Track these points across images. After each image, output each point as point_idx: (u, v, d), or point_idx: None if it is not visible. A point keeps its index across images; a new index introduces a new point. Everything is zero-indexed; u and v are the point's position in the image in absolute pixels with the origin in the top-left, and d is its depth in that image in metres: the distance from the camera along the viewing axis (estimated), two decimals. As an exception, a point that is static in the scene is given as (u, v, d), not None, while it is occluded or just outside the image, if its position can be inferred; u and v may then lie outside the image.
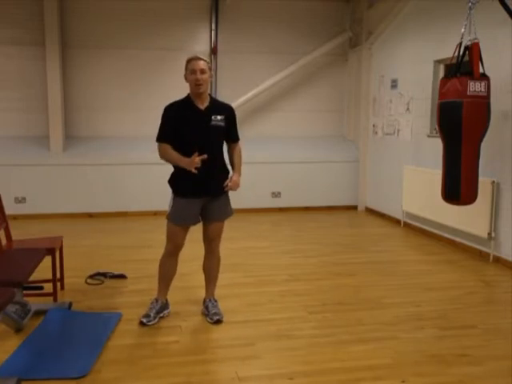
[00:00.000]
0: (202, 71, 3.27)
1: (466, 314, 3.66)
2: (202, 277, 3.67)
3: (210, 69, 3.36)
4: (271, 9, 7.61)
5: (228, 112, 3.45)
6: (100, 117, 7.43)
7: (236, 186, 3.46)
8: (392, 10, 6.70)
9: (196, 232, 3.54)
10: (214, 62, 7.52)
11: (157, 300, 3.53)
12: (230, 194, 3.54)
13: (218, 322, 3.44)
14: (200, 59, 3.30)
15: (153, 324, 3.40)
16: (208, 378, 2.74)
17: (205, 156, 3.20)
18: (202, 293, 3.68)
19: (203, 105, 3.36)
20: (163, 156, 3.37)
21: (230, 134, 3.50)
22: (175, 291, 3.74)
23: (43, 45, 6.91)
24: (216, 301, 3.63)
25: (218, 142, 3.44)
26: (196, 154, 3.19)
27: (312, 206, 7.73)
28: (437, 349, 3.08)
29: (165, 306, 3.56)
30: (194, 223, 3.46)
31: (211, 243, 3.57)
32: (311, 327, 3.40)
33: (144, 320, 3.40)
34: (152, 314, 3.44)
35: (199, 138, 3.32)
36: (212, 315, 3.48)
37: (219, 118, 3.36)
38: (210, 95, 3.43)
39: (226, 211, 3.53)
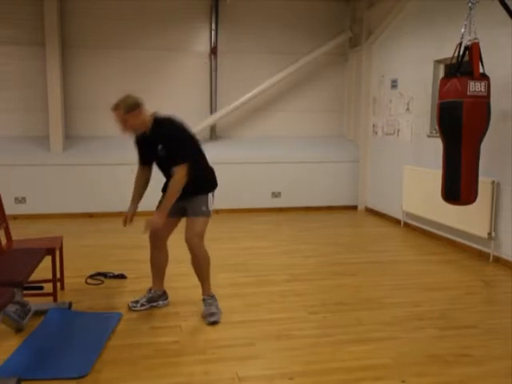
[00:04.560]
0: (118, 121, 3.33)
1: (466, 314, 3.66)
2: (202, 277, 3.68)
3: (125, 110, 3.28)
4: (271, 9, 7.61)
5: (165, 140, 3.36)
6: (100, 117, 7.42)
7: (149, 225, 3.40)
8: (392, 10, 6.70)
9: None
10: (214, 61, 7.53)
11: (150, 289, 3.68)
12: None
13: (214, 323, 3.40)
14: (113, 110, 3.31)
15: (139, 310, 3.58)
16: (208, 377, 2.74)
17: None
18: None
19: (148, 133, 3.42)
20: None
21: (170, 159, 3.35)
22: (175, 291, 3.74)
23: (43, 45, 6.91)
24: (212, 297, 3.59)
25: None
26: (129, 216, 3.58)
27: (312, 205, 7.73)
28: (437, 349, 3.08)
29: (160, 296, 3.67)
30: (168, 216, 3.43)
31: (187, 241, 3.49)
32: (311, 327, 3.40)
33: (130, 304, 3.60)
34: (141, 301, 3.62)
35: (157, 162, 3.54)
36: (207, 316, 3.45)
37: (159, 147, 3.38)
38: (154, 120, 3.37)
39: (198, 210, 3.45)
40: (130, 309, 3.61)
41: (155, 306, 3.66)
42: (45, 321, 3.42)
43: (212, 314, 3.47)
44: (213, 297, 3.61)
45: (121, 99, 3.34)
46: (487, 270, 4.77)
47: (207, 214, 3.49)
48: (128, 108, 3.29)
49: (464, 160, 4.34)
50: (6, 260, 3.39)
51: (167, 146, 3.35)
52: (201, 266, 3.55)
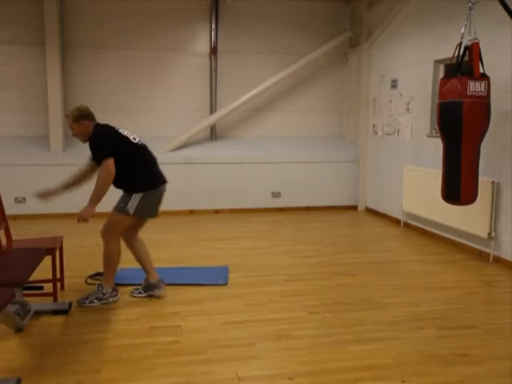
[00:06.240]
0: (69, 126, 3.78)
1: (466, 314, 3.66)
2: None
3: (74, 119, 3.73)
4: (271, 9, 7.62)
5: (90, 145, 3.77)
6: (100, 117, 7.35)
7: (80, 219, 3.73)
8: (392, 10, 6.70)
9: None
10: (214, 61, 7.53)
11: (146, 279, 3.93)
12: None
13: (81, 303, 3.69)
14: (66, 116, 3.80)
15: (137, 297, 3.87)
16: (208, 377, 2.74)
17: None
18: (202, 293, 3.69)
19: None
20: None
21: (97, 159, 3.76)
22: (175, 291, 3.75)
23: (43, 45, 6.91)
24: (101, 290, 3.75)
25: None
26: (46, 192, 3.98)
27: (312, 205, 7.73)
28: (437, 349, 3.08)
29: (155, 285, 3.90)
30: None
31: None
32: (311, 327, 3.40)
33: (131, 291, 3.93)
34: (139, 289, 3.95)
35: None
36: (83, 297, 3.73)
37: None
38: (93, 128, 3.78)
39: (117, 204, 3.83)
40: (131, 295, 3.87)
41: (152, 296, 3.83)
42: None
43: (86, 297, 3.72)
44: (102, 290, 3.76)
45: (73, 108, 3.79)
46: (487, 270, 4.77)
47: (123, 211, 3.72)
48: (75, 118, 3.73)
49: (464, 160, 4.34)
50: (6, 260, 3.39)
51: (91, 148, 3.74)
52: (104, 257, 3.79)
